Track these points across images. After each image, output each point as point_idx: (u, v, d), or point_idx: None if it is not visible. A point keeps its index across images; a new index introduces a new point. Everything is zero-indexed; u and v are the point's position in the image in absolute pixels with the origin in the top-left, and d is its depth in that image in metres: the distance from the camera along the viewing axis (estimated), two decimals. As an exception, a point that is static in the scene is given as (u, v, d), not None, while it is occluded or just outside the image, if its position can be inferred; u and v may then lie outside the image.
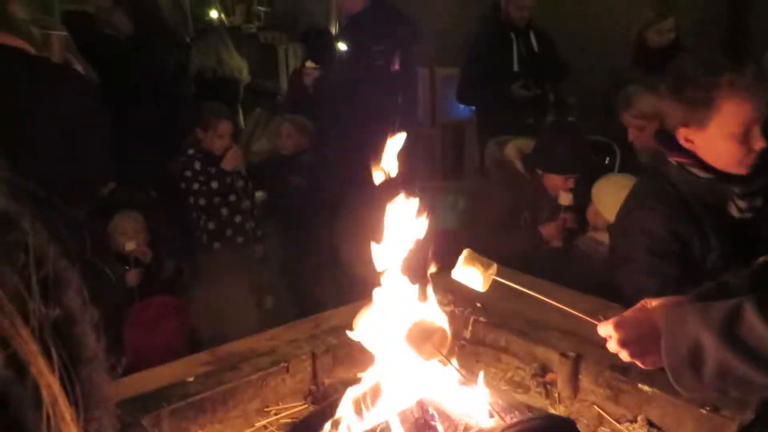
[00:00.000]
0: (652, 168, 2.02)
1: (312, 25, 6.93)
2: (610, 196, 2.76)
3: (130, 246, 3.06)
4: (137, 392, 1.67)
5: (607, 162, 3.98)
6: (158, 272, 3.17)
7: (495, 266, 1.61)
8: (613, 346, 1.23)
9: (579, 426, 1.67)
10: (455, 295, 2.14)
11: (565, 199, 3.02)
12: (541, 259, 3.07)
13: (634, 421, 1.63)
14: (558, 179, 3.10)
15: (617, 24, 4.85)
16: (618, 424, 1.63)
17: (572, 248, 2.99)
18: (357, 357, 1.96)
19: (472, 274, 1.58)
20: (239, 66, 5.98)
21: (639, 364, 1.34)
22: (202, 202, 3.47)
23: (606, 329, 1.24)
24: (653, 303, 1.20)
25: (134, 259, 3.08)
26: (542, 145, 3.15)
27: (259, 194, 3.80)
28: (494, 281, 1.60)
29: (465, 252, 1.61)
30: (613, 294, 2.33)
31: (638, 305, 1.24)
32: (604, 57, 4.94)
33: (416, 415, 1.40)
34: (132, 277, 3.06)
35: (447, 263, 1.63)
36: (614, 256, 2.25)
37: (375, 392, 1.52)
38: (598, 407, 1.71)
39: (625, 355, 1.26)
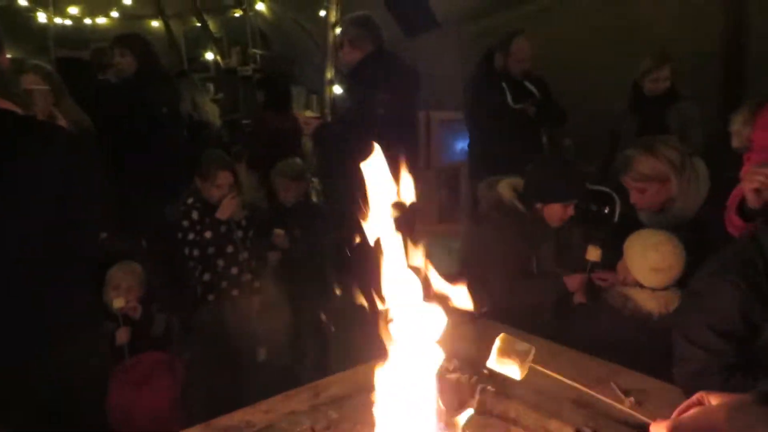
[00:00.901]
0: (750, 233, 1.82)
1: (272, 71, 7.01)
2: (637, 254, 2.69)
3: (118, 303, 2.95)
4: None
5: (607, 211, 3.95)
6: (148, 328, 3.06)
7: (532, 352, 1.55)
8: None
9: None
10: (460, 360, 2.05)
11: (593, 254, 2.95)
12: (564, 312, 3.00)
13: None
14: (558, 208, 3.05)
15: (615, 72, 4.87)
16: None
17: (599, 302, 2.90)
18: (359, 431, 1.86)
19: (509, 365, 1.52)
20: (213, 110, 6.03)
21: None
22: (196, 253, 3.38)
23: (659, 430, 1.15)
24: (712, 399, 1.11)
25: (123, 315, 2.97)
26: (535, 177, 3.10)
27: (274, 255, 3.70)
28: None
29: (500, 338, 1.54)
30: (637, 353, 2.25)
31: (694, 399, 1.15)
32: (600, 103, 4.94)
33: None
34: (122, 335, 2.95)
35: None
36: (678, 317, 2.14)
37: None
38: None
39: None
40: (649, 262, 2.65)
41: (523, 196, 3.10)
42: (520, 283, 3.06)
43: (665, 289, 2.65)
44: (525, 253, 3.13)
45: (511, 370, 1.52)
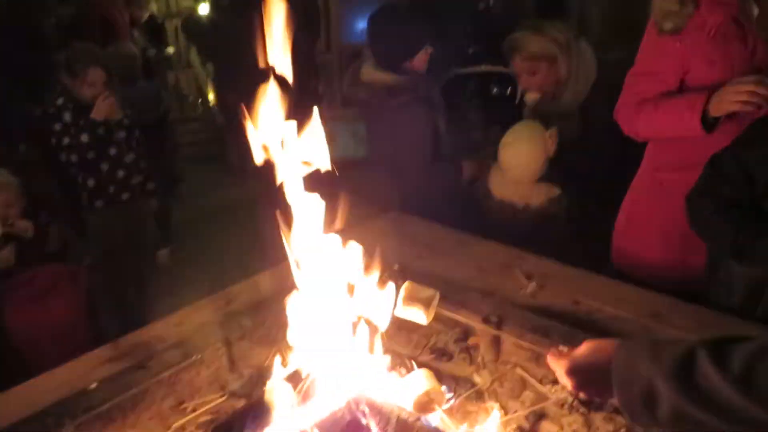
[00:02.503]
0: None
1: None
2: (500, 149, 2.79)
3: None
4: (34, 407, 1.50)
5: (509, 92, 3.98)
6: (42, 243, 2.85)
7: (436, 297, 1.58)
8: (564, 381, 1.20)
9: (503, 389, 1.70)
10: (371, 256, 2.07)
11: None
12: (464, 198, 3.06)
13: (556, 382, 1.66)
14: (421, 56, 3.01)
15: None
16: (541, 386, 1.66)
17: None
18: (274, 337, 1.88)
19: (414, 313, 1.56)
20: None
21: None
22: (74, 158, 3.12)
23: (557, 370, 1.21)
24: (601, 342, 1.16)
25: (7, 235, 2.73)
26: (381, 44, 2.99)
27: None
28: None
29: (405, 288, 1.56)
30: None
31: (587, 344, 1.19)
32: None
33: (348, 417, 1.34)
34: (6, 256, 2.72)
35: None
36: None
37: (302, 391, 1.45)
38: (522, 369, 1.73)
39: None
40: (502, 157, 2.77)
41: (384, 67, 3.02)
42: (425, 170, 3.07)
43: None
44: (427, 132, 3.09)
45: (418, 316, 1.57)
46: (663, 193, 2.23)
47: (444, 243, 2.35)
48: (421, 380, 1.41)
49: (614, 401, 1.08)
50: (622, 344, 1.10)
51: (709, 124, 2.00)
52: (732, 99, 1.91)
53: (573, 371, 1.16)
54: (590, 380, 1.14)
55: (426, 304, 1.55)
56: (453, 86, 3.99)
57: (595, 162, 2.44)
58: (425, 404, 1.37)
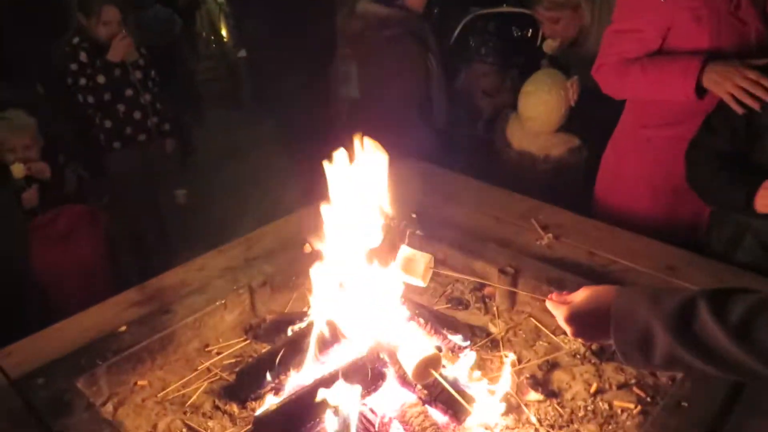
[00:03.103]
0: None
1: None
2: (518, 98, 2.75)
3: (18, 171, 2.71)
4: (65, 349, 1.57)
5: (530, 33, 3.88)
6: (60, 185, 2.88)
7: (431, 262, 1.61)
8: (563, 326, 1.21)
9: (517, 339, 1.75)
10: (390, 205, 2.09)
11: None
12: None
13: (569, 333, 1.70)
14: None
15: None
16: (554, 336, 1.71)
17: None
18: (294, 283, 1.92)
19: (411, 279, 1.59)
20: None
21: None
22: (91, 99, 3.12)
23: (557, 315, 1.21)
24: (600, 288, 1.16)
25: (28, 178, 2.76)
26: None
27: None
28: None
29: (401, 256, 1.59)
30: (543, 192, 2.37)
31: (586, 290, 1.18)
32: None
33: (369, 365, 1.39)
34: (30, 197, 2.76)
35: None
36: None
37: (323, 338, 1.50)
38: (535, 320, 1.77)
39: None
40: (522, 106, 2.75)
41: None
42: (415, 109, 3.03)
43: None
44: (416, 69, 3.05)
45: (414, 281, 1.60)
46: (650, 148, 2.21)
47: (462, 192, 2.36)
48: (415, 351, 1.44)
49: (610, 343, 1.09)
50: (621, 290, 1.11)
51: (701, 90, 1.96)
52: (729, 90, 1.83)
53: (572, 317, 1.16)
54: (589, 325, 1.15)
55: (419, 272, 1.58)
56: (471, 27, 3.90)
57: (615, 112, 2.41)
58: (424, 373, 1.41)
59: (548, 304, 1.23)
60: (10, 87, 3.05)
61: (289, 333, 1.64)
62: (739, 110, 1.83)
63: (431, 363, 1.40)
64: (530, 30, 3.84)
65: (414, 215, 2.09)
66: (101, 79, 3.10)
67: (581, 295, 1.17)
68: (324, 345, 1.48)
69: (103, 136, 3.22)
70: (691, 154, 1.97)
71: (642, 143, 2.23)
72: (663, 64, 2.03)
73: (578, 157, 2.73)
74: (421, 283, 1.60)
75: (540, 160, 2.74)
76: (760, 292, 0.98)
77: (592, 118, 2.62)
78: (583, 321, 1.16)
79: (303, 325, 1.64)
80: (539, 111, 2.71)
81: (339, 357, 1.48)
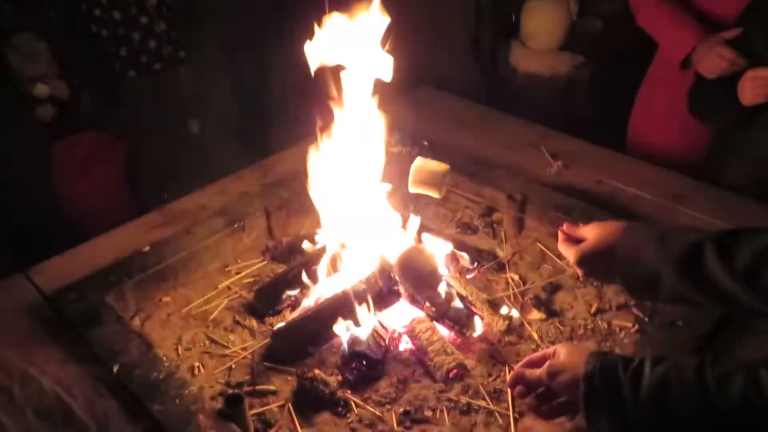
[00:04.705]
0: None
1: None
2: (522, 15, 2.74)
3: (42, 91, 2.75)
4: (94, 267, 1.66)
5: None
6: (75, 106, 2.92)
7: (447, 173, 1.62)
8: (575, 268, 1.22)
9: (523, 262, 1.82)
10: (401, 133, 2.13)
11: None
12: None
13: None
14: None
15: None
16: (559, 260, 1.77)
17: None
18: (309, 207, 1.98)
19: (427, 188, 1.61)
20: None
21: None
22: (105, 32, 3.10)
23: (567, 256, 1.21)
24: (607, 225, 1.15)
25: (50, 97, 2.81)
26: None
27: None
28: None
29: (415, 167, 1.59)
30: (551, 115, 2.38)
31: (594, 228, 1.17)
32: None
33: (380, 284, 1.46)
34: (46, 111, 2.80)
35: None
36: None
37: (336, 256, 1.57)
38: (541, 244, 1.83)
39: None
40: (525, 23, 2.74)
41: None
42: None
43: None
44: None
45: (429, 191, 1.62)
46: (676, 86, 2.22)
47: (474, 119, 2.38)
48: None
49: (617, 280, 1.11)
50: (628, 227, 1.12)
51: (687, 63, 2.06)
52: (707, 68, 1.94)
53: (582, 259, 1.17)
54: (598, 265, 1.15)
55: (436, 182, 1.60)
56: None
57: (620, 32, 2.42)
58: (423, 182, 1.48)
59: (560, 246, 1.24)
60: (18, 10, 3.03)
61: (305, 251, 1.71)
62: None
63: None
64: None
65: (426, 143, 2.13)
66: (116, 15, 3.07)
67: (590, 233, 1.18)
68: (336, 265, 1.56)
69: (118, 64, 3.22)
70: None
71: (673, 77, 2.22)
72: (670, 23, 2.11)
73: (584, 73, 2.74)
74: (436, 195, 1.63)
75: (548, 78, 2.75)
76: (766, 233, 0.97)
77: (592, 35, 2.63)
78: (592, 263, 1.16)
79: (317, 246, 1.71)
80: (544, 25, 2.72)
81: (352, 275, 1.55)
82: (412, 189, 1.63)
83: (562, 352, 1.11)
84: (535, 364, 1.16)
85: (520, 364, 1.20)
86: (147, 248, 1.71)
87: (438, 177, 1.60)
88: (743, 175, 1.98)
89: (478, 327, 1.52)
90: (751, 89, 1.82)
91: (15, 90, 2.78)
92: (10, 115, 2.73)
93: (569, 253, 1.20)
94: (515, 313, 1.56)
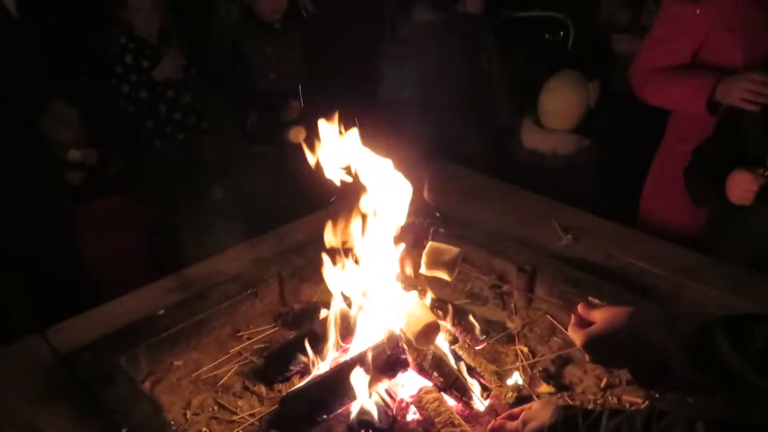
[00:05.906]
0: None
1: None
2: (541, 94, 2.83)
3: (75, 156, 2.88)
4: (109, 328, 1.69)
5: (561, 36, 3.93)
6: (103, 170, 3.03)
7: (460, 256, 1.65)
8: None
9: (533, 334, 1.82)
10: (415, 204, 2.17)
11: None
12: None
13: (583, 330, 1.76)
14: None
15: None
16: (568, 333, 1.76)
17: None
18: (322, 275, 2.02)
19: (438, 272, 1.64)
20: None
21: None
22: (132, 109, 3.24)
23: (576, 341, 1.21)
24: (615, 311, 1.16)
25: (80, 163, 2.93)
26: None
27: None
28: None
29: (427, 252, 1.64)
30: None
31: (605, 310, 1.18)
32: None
33: (388, 351, 1.48)
34: (75, 176, 2.91)
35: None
36: None
37: (347, 325, 1.59)
38: (551, 317, 1.84)
39: None
40: (543, 101, 2.83)
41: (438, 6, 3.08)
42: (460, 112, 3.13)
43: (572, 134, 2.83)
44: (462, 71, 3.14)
45: (441, 275, 1.65)
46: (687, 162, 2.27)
47: (485, 192, 2.44)
48: (416, 314, 1.52)
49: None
50: (635, 310, 1.11)
51: (715, 106, 2.07)
52: (739, 95, 1.95)
53: (588, 343, 1.17)
54: (605, 351, 1.15)
55: (448, 266, 1.63)
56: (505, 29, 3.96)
57: (632, 120, 2.49)
58: (425, 338, 1.49)
59: (570, 331, 1.24)
60: (55, 78, 3.19)
61: (317, 318, 1.74)
62: (755, 108, 1.91)
63: (431, 330, 1.49)
64: (561, 32, 3.89)
65: (438, 214, 2.18)
66: (143, 94, 3.21)
67: (599, 317, 1.18)
68: (346, 333, 1.57)
69: (145, 134, 3.35)
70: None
71: (681, 158, 2.26)
72: (684, 78, 2.12)
73: (588, 157, 2.80)
74: (447, 278, 1.65)
75: (548, 157, 2.82)
76: None
77: (611, 122, 2.70)
78: (600, 347, 1.16)
79: (328, 314, 1.73)
80: (560, 106, 2.80)
81: (361, 344, 1.57)
82: (425, 272, 1.66)
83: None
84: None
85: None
86: (161, 311, 1.75)
87: (450, 260, 1.63)
88: (743, 251, 1.98)
89: (485, 400, 1.51)
90: (736, 192, 1.89)
91: (49, 155, 2.90)
92: (44, 179, 2.85)
93: (576, 337, 1.20)
94: (521, 381, 1.56)
